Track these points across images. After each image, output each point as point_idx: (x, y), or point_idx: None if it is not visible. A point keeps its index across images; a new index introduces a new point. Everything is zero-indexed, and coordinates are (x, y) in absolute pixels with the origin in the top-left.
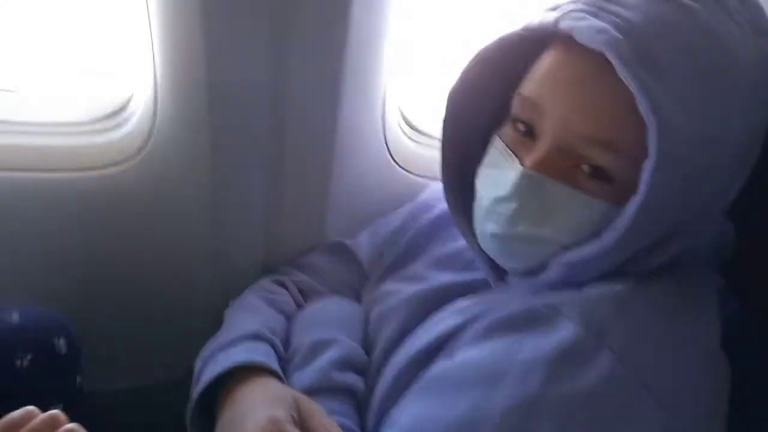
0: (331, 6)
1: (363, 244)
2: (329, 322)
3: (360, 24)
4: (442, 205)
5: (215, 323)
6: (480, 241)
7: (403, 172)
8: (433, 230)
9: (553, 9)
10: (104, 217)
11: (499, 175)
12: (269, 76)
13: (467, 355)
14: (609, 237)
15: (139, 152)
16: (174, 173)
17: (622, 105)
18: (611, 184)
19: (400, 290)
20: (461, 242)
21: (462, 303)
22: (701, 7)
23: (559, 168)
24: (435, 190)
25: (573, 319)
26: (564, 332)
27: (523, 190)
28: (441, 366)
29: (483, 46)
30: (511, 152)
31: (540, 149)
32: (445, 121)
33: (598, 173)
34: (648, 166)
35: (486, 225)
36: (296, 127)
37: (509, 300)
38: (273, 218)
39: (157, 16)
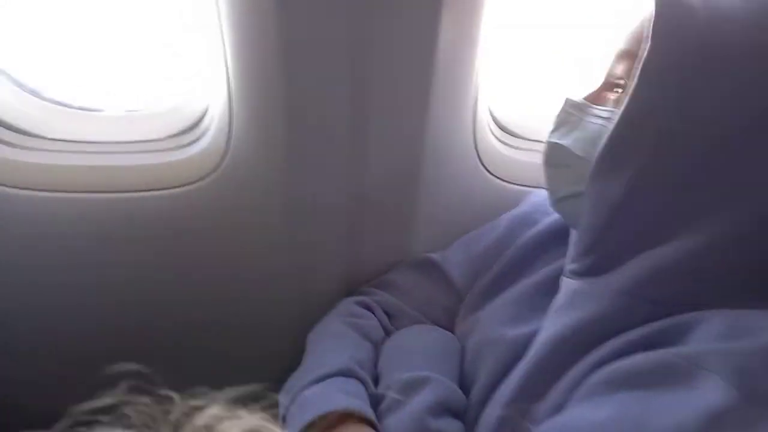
0: (421, 5)
1: (454, 260)
2: (421, 356)
3: (452, 22)
4: (548, 219)
5: (296, 343)
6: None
7: (495, 179)
8: (538, 248)
9: None
10: (181, 236)
11: None
12: (352, 81)
13: (584, 413)
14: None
15: (216, 168)
16: (251, 188)
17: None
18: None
19: None
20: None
21: (549, 324)
22: None
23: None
24: (536, 201)
25: (722, 376)
26: (712, 393)
27: (562, 115)
28: (555, 423)
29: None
30: None
31: None
32: None
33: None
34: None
35: None
36: (381, 134)
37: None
38: (356, 233)
39: (230, 22)
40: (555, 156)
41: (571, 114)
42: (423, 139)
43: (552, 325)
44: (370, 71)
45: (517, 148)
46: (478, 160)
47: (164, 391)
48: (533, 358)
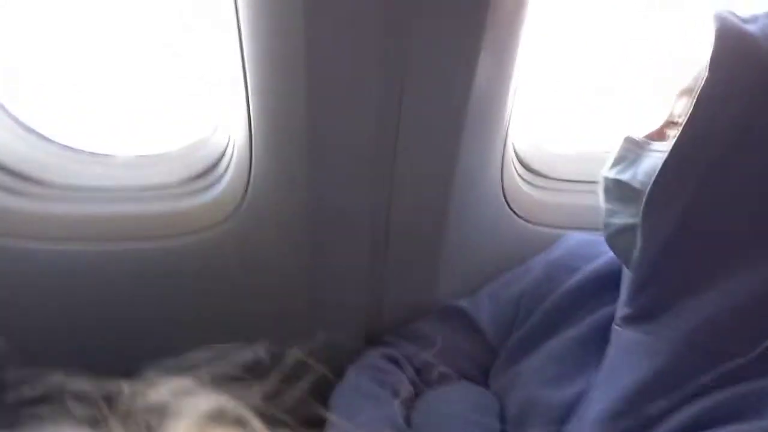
0: (460, 42)
1: (485, 308)
2: (461, 422)
3: (491, 58)
4: (590, 266)
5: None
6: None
7: (519, 220)
8: (581, 296)
9: None
10: (195, 283)
11: None
12: (380, 116)
13: None
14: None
15: (233, 213)
16: (270, 232)
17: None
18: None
19: None
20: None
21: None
22: None
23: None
24: (573, 246)
25: None
26: None
27: (620, 152)
28: None
29: None
30: None
31: None
32: None
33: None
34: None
35: None
36: (408, 172)
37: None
38: (377, 277)
39: (254, 61)
40: (612, 191)
41: (630, 150)
42: (451, 178)
43: (605, 390)
44: (400, 106)
45: (541, 187)
46: (503, 199)
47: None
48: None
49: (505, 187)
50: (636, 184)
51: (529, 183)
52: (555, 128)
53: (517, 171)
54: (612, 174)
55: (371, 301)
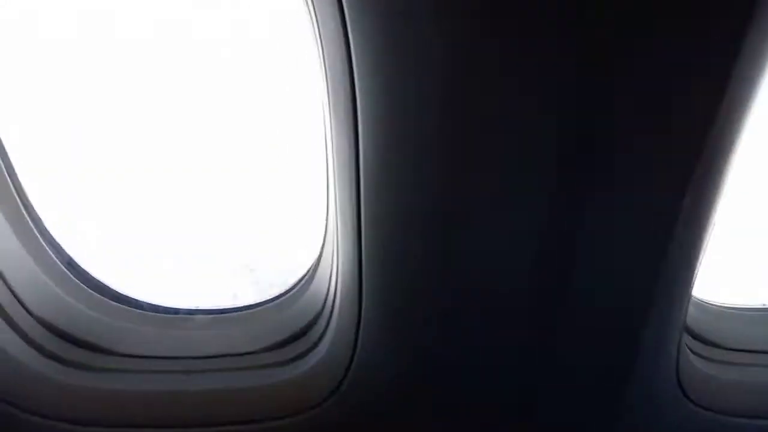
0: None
1: None
2: None
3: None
4: None
5: None
6: None
7: (698, 409)
8: None
9: None
10: None
11: None
12: (542, 299)
13: None
14: None
15: (334, 392)
16: (380, 415)
17: None
18: None
19: None
20: None
21: None
22: None
23: None
24: None
25: None
26: None
27: None
28: None
29: None
30: None
31: None
32: None
33: None
34: None
35: None
36: (569, 360)
37: None
38: None
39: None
40: None
41: None
42: (627, 365)
43: None
44: (569, 275)
45: (715, 361)
46: (676, 382)
47: None
48: None
49: (679, 367)
50: None
51: (700, 356)
52: (721, 283)
53: (685, 342)
54: None
55: None
